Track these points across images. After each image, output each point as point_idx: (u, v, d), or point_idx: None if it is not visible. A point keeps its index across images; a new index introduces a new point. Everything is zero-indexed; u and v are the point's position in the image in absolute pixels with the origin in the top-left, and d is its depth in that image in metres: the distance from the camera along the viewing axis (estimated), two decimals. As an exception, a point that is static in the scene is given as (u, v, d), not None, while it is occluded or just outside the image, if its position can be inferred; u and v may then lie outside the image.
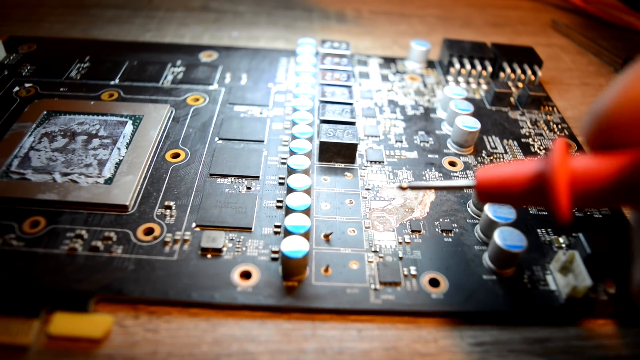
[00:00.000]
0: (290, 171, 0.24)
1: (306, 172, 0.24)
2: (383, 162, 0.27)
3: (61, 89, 0.30)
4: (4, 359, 0.18)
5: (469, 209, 0.24)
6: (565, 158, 0.15)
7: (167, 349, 0.18)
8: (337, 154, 0.26)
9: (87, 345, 0.18)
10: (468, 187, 0.18)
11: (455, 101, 0.30)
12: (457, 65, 0.34)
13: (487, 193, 0.17)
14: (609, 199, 0.15)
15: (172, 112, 0.29)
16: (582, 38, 0.43)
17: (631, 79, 0.14)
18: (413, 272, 0.21)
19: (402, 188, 0.19)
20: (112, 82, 0.31)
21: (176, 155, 0.26)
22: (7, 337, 0.18)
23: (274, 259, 0.21)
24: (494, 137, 0.30)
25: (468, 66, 0.34)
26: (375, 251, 0.22)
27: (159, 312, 0.19)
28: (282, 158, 0.26)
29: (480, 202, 0.17)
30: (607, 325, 0.20)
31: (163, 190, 0.24)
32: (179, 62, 0.33)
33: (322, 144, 0.26)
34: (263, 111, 0.30)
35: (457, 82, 0.35)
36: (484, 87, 0.34)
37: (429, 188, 0.20)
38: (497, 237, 0.21)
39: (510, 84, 0.35)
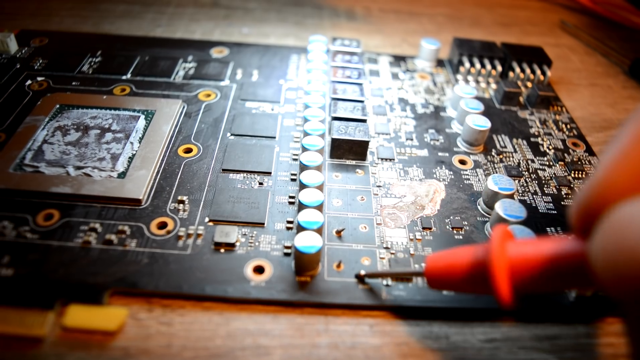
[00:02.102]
0: (303, 167, 0.24)
1: (319, 168, 0.24)
2: (394, 159, 0.27)
3: (73, 83, 0.30)
4: (19, 351, 0.18)
5: (479, 207, 0.25)
6: (502, 246, 0.15)
7: (181, 342, 0.18)
8: (349, 151, 0.26)
9: (101, 337, 0.18)
10: (418, 275, 0.19)
11: (466, 100, 0.30)
12: (467, 64, 0.35)
13: (435, 280, 0.18)
14: (549, 284, 0.15)
15: (184, 107, 0.29)
16: (591, 38, 0.43)
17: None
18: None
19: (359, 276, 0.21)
20: (124, 77, 0.31)
21: (188, 151, 0.26)
22: (22, 328, 0.18)
23: (286, 254, 0.21)
24: (503, 136, 0.30)
25: (478, 65, 0.34)
26: (386, 247, 0.22)
27: (173, 306, 0.20)
28: (294, 154, 0.26)
29: (430, 289, 0.19)
30: (616, 323, 0.20)
31: (176, 185, 0.24)
32: (190, 58, 0.33)
33: (334, 140, 0.26)
34: (274, 107, 0.30)
35: (467, 81, 0.35)
36: (494, 86, 0.34)
37: (384, 275, 0.21)
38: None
39: (519, 83, 0.35)
